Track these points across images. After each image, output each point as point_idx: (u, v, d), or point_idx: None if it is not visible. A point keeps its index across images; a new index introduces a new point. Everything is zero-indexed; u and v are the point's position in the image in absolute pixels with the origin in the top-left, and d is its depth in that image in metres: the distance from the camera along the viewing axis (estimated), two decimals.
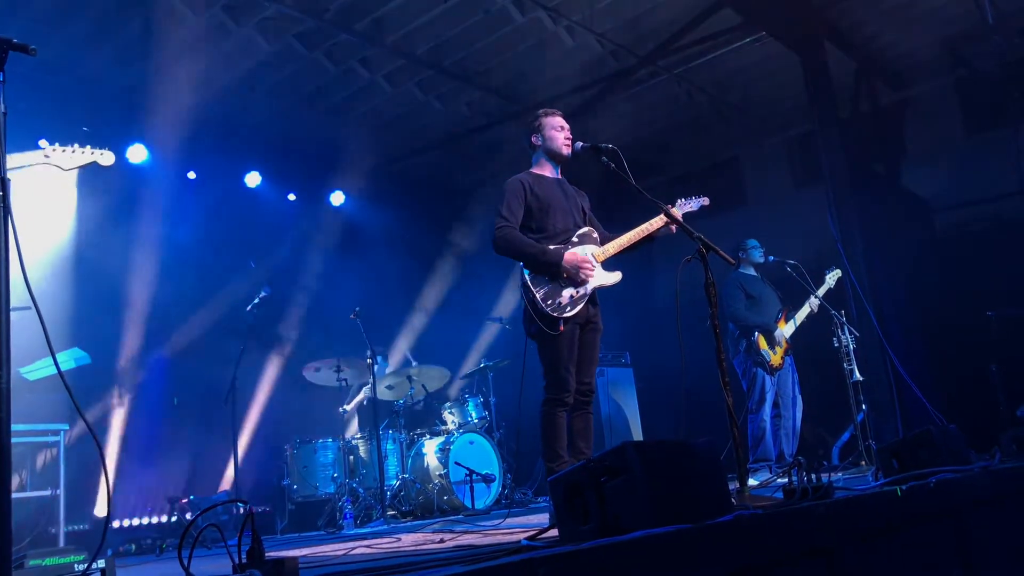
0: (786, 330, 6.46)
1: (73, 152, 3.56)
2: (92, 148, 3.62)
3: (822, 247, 7.53)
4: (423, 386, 7.42)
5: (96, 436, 2.86)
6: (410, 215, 9.38)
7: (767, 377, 6.33)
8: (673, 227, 4.15)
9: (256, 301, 6.98)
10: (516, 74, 8.20)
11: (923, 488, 3.07)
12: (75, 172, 3.75)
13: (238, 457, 6.62)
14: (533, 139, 4.37)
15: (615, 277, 4.24)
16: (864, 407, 6.26)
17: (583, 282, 4.07)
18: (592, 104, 8.62)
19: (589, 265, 4.08)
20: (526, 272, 4.09)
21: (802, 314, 6.53)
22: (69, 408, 5.83)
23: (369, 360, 6.73)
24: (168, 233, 7.81)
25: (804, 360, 6.63)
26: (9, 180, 2.70)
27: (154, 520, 6.90)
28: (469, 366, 8.00)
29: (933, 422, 5.73)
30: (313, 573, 2.50)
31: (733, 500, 2.69)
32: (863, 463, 6.05)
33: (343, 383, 7.24)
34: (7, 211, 2.65)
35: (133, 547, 6.37)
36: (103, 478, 2.85)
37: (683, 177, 10.10)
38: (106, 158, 3.64)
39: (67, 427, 5.68)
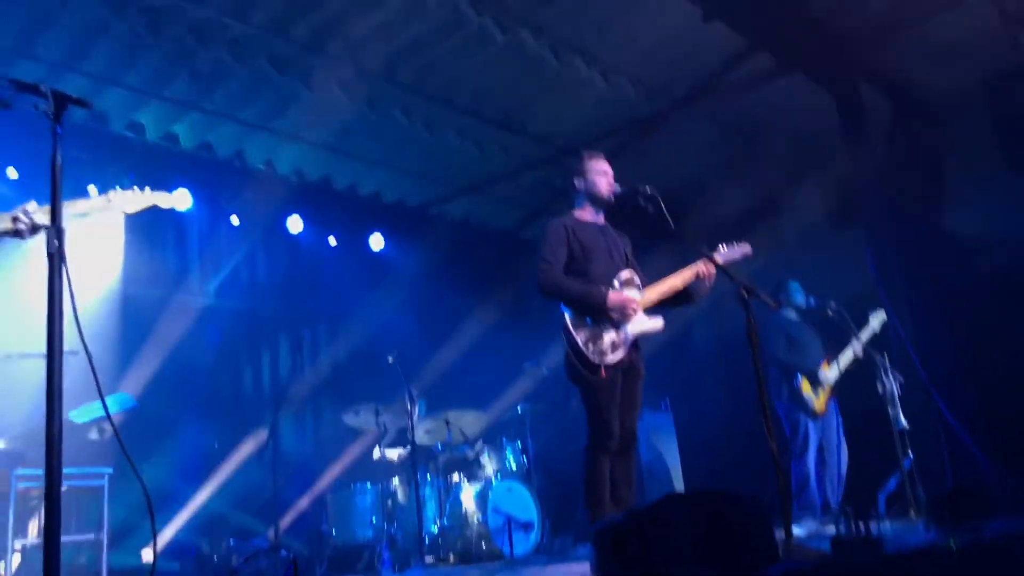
0: (830, 374, 6.36)
1: (134, 195, 3.62)
2: (152, 190, 3.68)
3: (862, 289, 7.42)
4: (461, 431, 7.40)
5: (140, 478, 2.89)
6: (448, 258, 9.46)
7: (811, 422, 6.23)
8: (710, 279, 4.14)
9: (297, 344, 7.03)
10: (552, 119, 8.28)
11: (978, 542, 2.99)
12: (123, 218, 3.82)
13: (277, 501, 6.63)
14: (576, 181, 4.40)
15: (657, 324, 4.23)
16: (911, 454, 6.12)
17: (626, 322, 4.05)
18: (626, 147, 8.67)
19: (635, 304, 4.07)
20: (568, 315, 4.10)
21: (846, 358, 6.43)
22: (113, 453, 5.92)
23: (408, 403, 6.75)
24: (211, 276, 7.97)
25: (848, 405, 6.51)
26: (64, 230, 2.77)
27: (195, 566, 6.91)
28: (507, 411, 7.97)
29: (984, 471, 5.58)
30: None
31: (780, 551, 2.65)
32: (912, 512, 5.90)
33: (383, 426, 7.26)
34: (62, 260, 2.72)
35: None
36: (147, 521, 2.87)
37: (718, 220, 10.05)
38: (166, 200, 3.70)
39: (111, 470, 5.75)
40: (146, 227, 7.52)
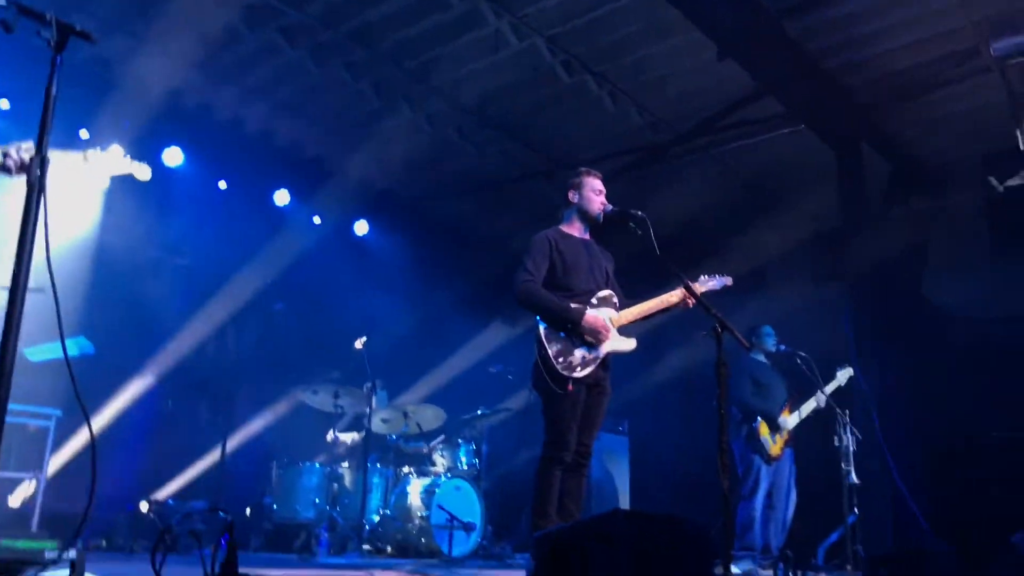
0: (790, 421, 6.41)
1: (111, 159, 3.59)
2: (131, 159, 3.65)
3: (834, 345, 7.48)
4: (418, 424, 7.37)
5: (91, 426, 2.84)
6: (430, 255, 9.44)
7: (764, 466, 6.26)
8: (690, 303, 4.16)
9: (268, 314, 7.00)
10: (555, 132, 8.31)
11: None
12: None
13: (223, 468, 6.57)
14: (570, 195, 4.42)
15: (630, 344, 4.25)
16: (856, 511, 6.16)
17: (598, 345, 4.07)
18: (624, 172, 8.70)
19: (607, 331, 4.08)
20: (542, 327, 4.10)
21: (807, 407, 6.47)
22: (63, 395, 5.83)
23: (368, 390, 6.71)
24: (191, 238, 7.90)
25: (803, 455, 6.56)
26: (49, 160, 2.74)
27: (129, 519, 6.82)
28: (467, 412, 7.95)
29: (924, 536, 5.63)
30: None
31: None
32: (848, 567, 5.94)
33: (339, 410, 7.22)
34: (42, 190, 2.69)
35: (104, 543, 6.30)
36: (87, 470, 2.83)
37: (705, 256, 10.11)
38: (143, 172, 3.68)
39: (60, 413, 5.67)
40: (130, 178, 7.42)
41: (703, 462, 3.90)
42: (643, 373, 8.68)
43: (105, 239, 7.30)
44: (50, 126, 2.80)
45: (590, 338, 4.04)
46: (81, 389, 2.80)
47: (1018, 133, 7.27)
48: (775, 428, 6.32)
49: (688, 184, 9.21)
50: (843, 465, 6.28)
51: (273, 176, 8.40)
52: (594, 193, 4.38)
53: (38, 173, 2.67)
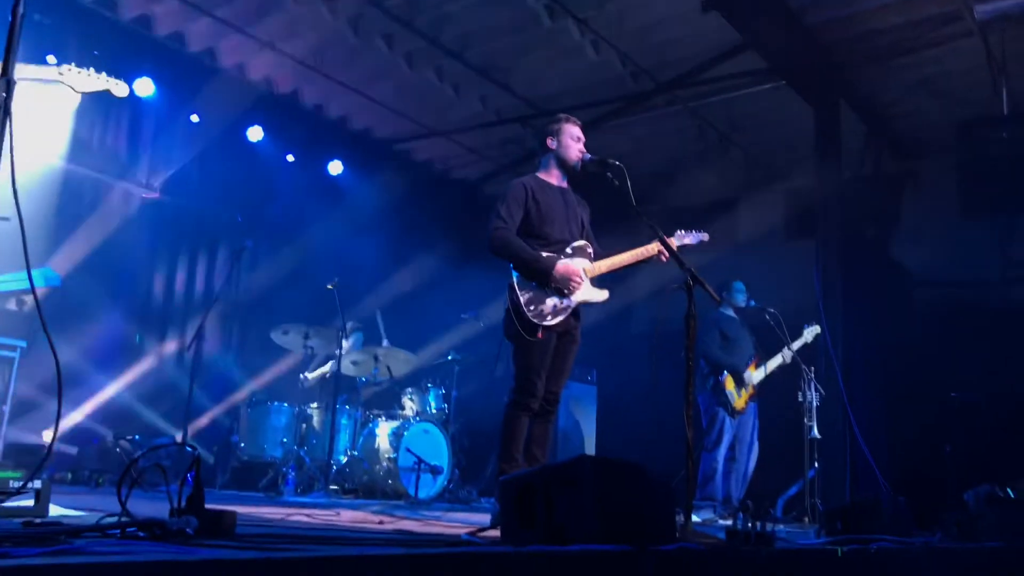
0: (755, 376, 6.50)
1: (88, 76, 3.50)
2: (107, 76, 3.56)
3: (803, 302, 7.57)
4: (388, 368, 7.39)
5: (56, 356, 2.80)
6: (405, 198, 9.35)
7: (728, 419, 6.37)
8: (664, 256, 4.17)
9: (237, 251, 6.91)
10: (535, 78, 8.20)
11: (863, 553, 3.10)
12: (80, 94, 3.69)
13: (191, 405, 6.55)
14: (548, 142, 4.36)
15: (602, 295, 4.26)
16: (816, 465, 6.31)
17: (569, 294, 4.08)
18: (603, 121, 8.64)
19: (578, 280, 4.08)
20: (515, 275, 4.10)
21: (773, 363, 6.56)
22: (28, 326, 5.76)
23: (340, 332, 6.70)
24: (161, 171, 7.76)
25: (767, 409, 6.67)
26: (15, 83, 2.66)
27: (96, 453, 6.81)
28: (438, 356, 7.97)
29: (881, 490, 5.78)
30: (250, 531, 2.47)
31: (677, 532, 2.70)
32: (807, 519, 6.09)
33: (310, 350, 7.21)
34: (7, 113, 2.61)
35: (70, 476, 6.29)
36: (53, 403, 2.80)
37: (680, 209, 10.14)
38: (120, 88, 3.59)
39: (24, 344, 5.60)
40: (99, 108, 7.25)
41: (670, 414, 3.95)
42: (615, 324, 8.74)
43: (72, 169, 7.14)
44: (16, 45, 2.71)
45: (561, 287, 4.04)
46: (48, 323, 2.76)
47: (1004, 94, 7.29)
48: (741, 382, 6.41)
49: (666, 137, 9.19)
50: (806, 420, 6.40)
51: (247, 111, 8.22)
52: (573, 140, 4.32)
53: (3, 95, 2.60)
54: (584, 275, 4.16)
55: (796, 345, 6.59)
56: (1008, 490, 4.66)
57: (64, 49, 6.59)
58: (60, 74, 3.45)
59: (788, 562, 2.71)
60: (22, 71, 3.16)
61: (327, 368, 7.41)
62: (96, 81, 3.51)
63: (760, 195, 9.90)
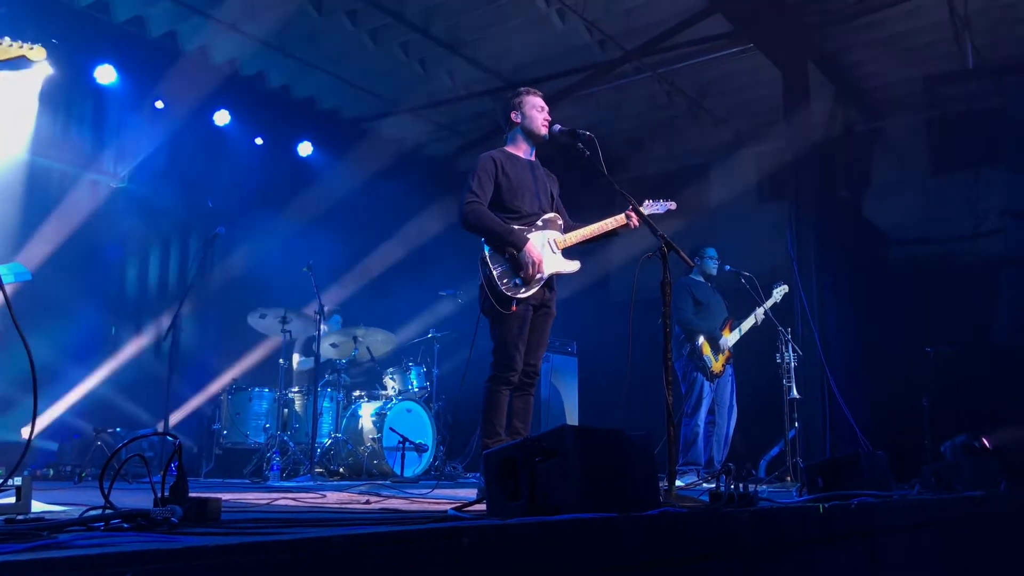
0: (730, 339, 6.55)
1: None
2: (21, 42, 3.36)
3: (777, 263, 7.64)
4: (368, 348, 7.38)
5: (30, 352, 2.77)
6: (378, 177, 9.28)
7: (706, 383, 6.42)
8: (635, 224, 4.17)
9: (209, 238, 6.84)
10: (502, 50, 8.15)
11: (843, 508, 3.15)
12: (37, 82, 3.57)
13: (171, 395, 6.51)
14: (512, 115, 4.33)
15: (574, 266, 4.27)
16: (796, 425, 6.39)
17: (525, 280, 4.06)
18: (572, 91, 8.62)
19: (539, 271, 4.06)
20: (487, 249, 4.09)
21: (747, 324, 6.61)
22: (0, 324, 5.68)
23: (318, 314, 6.67)
24: (128, 160, 7.64)
25: (745, 372, 6.73)
26: None
27: (77, 448, 6.75)
28: (417, 335, 7.96)
29: (861, 446, 5.87)
30: (235, 517, 2.46)
31: (661, 497, 2.73)
32: (788, 479, 6.18)
33: (287, 335, 7.16)
34: None
35: (51, 472, 6.25)
36: (30, 399, 2.76)
37: (651, 176, 10.16)
38: (36, 53, 3.39)
39: None
40: (62, 97, 7.12)
41: (649, 381, 3.98)
42: (592, 294, 8.77)
43: (37, 161, 7.02)
44: None
45: (521, 267, 4.01)
46: (19, 318, 2.72)
47: (968, 48, 7.34)
48: (716, 346, 6.46)
49: (635, 105, 9.18)
50: (784, 381, 6.48)
51: (213, 95, 8.09)
52: (536, 111, 4.30)
53: None
54: (555, 246, 4.17)
55: (767, 304, 6.63)
56: (983, 439, 4.76)
57: (20, 37, 6.45)
58: None
59: (771, 520, 2.75)
60: None
61: (306, 359, 7.35)
62: (8, 50, 3.33)
63: (732, 159, 9.94)
